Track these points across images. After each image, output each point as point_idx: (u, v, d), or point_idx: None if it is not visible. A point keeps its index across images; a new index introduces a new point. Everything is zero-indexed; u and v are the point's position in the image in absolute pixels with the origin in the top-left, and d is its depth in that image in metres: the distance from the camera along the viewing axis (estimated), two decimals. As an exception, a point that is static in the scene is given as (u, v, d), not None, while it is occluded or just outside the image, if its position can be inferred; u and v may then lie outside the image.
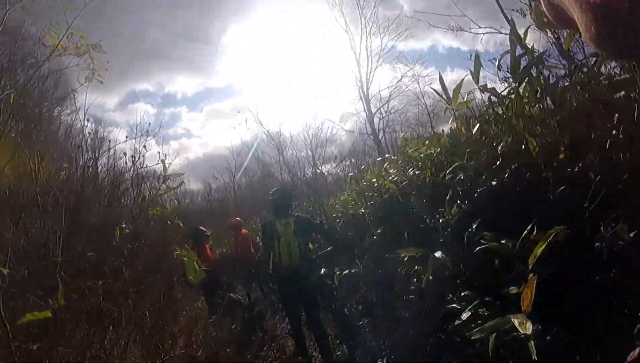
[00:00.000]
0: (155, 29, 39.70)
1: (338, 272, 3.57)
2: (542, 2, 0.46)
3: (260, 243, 6.66)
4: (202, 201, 28.56)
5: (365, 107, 19.08)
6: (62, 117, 20.51)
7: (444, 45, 19.89)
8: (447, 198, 2.05)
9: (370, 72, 19.31)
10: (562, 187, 1.58)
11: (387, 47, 19.46)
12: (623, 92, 1.53)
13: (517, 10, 6.93)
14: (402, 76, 18.93)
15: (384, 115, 19.25)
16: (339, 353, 4.41)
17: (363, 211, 3.78)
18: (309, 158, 22.56)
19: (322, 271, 4.30)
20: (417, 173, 2.86)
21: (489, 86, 1.99)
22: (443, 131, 3.25)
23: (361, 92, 19.14)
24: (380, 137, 18.77)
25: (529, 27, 1.79)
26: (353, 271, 3.38)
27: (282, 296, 4.73)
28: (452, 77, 20.49)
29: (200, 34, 46.22)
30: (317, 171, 20.66)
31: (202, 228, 6.99)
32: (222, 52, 48.02)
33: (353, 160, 18.27)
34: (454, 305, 1.76)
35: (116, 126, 18.82)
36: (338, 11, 19.52)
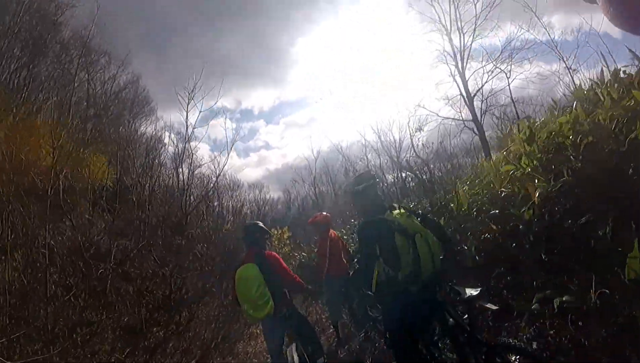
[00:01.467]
0: (229, 47, 40.97)
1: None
2: None
3: (359, 252, 5.21)
4: (282, 208, 29.73)
5: (463, 88, 17.32)
6: (142, 128, 22.54)
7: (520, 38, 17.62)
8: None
9: (465, 49, 17.72)
10: None
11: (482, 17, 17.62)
12: None
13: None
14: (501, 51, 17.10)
15: (482, 99, 17.62)
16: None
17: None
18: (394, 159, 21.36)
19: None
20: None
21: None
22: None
23: (458, 69, 17.46)
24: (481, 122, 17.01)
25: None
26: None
27: (408, 325, 3.09)
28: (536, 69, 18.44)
29: (271, 50, 47.58)
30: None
31: (259, 223, 4.76)
32: (293, 65, 49.21)
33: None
34: None
35: (198, 141, 19.80)
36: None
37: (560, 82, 17.13)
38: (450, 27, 17.95)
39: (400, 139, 20.86)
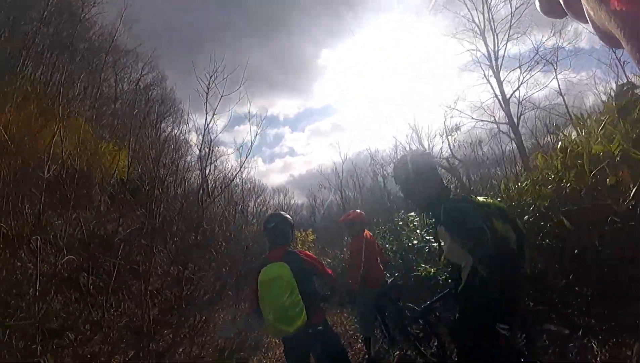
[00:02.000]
0: (254, 55, 42.08)
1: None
2: None
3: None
4: (307, 214, 29.34)
5: (498, 90, 16.46)
6: (168, 128, 22.44)
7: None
8: None
9: (499, 49, 17.02)
10: None
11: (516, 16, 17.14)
12: None
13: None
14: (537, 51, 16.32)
15: (517, 101, 16.95)
16: None
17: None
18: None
19: None
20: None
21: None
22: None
23: (492, 70, 16.68)
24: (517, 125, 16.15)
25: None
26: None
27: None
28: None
29: (296, 61, 48.68)
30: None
31: (286, 215, 3.84)
32: (318, 74, 49.98)
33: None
34: None
35: (225, 146, 19.58)
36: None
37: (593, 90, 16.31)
38: (484, 27, 17.19)
39: (429, 143, 20.03)
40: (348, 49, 46.90)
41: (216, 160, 11.75)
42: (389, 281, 5.50)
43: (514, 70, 17.23)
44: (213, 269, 7.72)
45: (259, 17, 48.01)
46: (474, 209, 2.48)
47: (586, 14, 0.44)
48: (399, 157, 3.04)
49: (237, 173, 14.65)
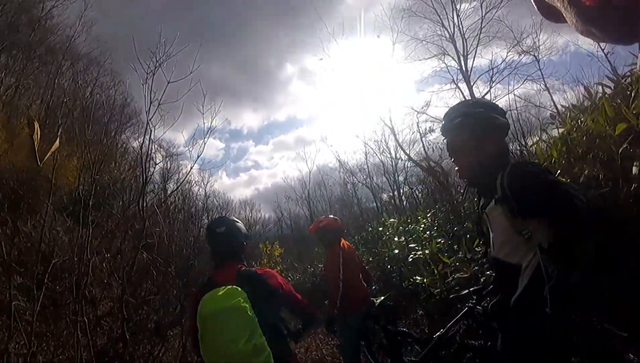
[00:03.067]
0: (217, 67, 41.63)
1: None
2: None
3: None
4: (274, 227, 28.73)
5: (468, 92, 16.21)
6: (130, 141, 21.33)
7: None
8: None
9: (468, 53, 16.97)
10: None
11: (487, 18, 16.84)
12: None
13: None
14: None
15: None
16: None
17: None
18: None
19: None
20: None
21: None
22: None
23: (462, 73, 16.47)
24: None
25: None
26: None
27: None
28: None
29: (260, 74, 48.99)
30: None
31: (237, 222, 2.76)
32: (281, 88, 50.40)
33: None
34: None
35: (187, 160, 18.65)
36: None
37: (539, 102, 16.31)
38: (453, 31, 16.84)
39: (395, 152, 19.30)
40: (312, 62, 46.47)
41: (176, 172, 10.90)
42: (377, 301, 4.52)
43: (483, 73, 17.05)
44: (167, 290, 6.73)
45: (221, 29, 47.45)
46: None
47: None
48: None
49: (188, 175, 13.92)
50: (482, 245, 3.44)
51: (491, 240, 1.89)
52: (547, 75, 16.38)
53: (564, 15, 0.44)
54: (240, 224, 2.73)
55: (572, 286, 1.48)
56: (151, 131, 5.51)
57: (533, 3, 0.51)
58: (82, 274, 5.58)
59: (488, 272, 4.03)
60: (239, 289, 2.22)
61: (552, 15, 0.48)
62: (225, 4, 51.40)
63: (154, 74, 5.40)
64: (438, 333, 2.65)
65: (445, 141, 2.13)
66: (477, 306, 2.49)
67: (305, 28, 50.19)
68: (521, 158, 7.03)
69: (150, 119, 5.38)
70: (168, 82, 5.45)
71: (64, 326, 5.91)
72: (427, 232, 6.46)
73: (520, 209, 1.65)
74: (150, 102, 5.37)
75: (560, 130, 3.11)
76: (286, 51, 52.39)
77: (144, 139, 5.59)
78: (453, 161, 2.06)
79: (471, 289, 2.75)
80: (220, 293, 2.21)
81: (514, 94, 16.00)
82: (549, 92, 15.46)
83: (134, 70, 5.38)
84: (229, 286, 2.24)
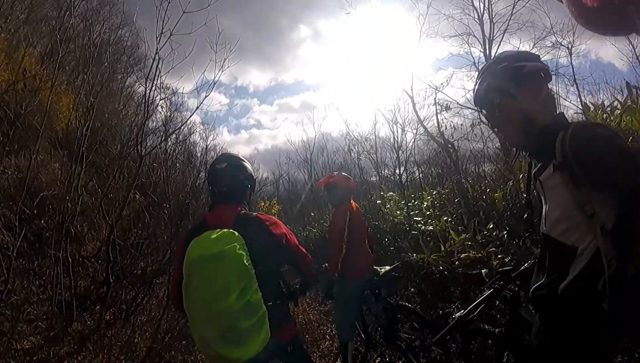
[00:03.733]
0: (227, 20, 40.48)
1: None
2: None
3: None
4: (271, 188, 28.46)
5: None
6: (137, 86, 20.82)
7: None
8: None
9: (495, 37, 15.85)
10: None
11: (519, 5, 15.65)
12: None
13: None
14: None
15: None
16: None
17: None
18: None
19: None
20: None
21: None
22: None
23: (486, 57, 15.66)
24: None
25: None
26: None
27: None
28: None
29: (271, 32, 47.64)
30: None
31: (244, 161, 2.37)
32: (292, 50, 49.28)
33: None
34: None
35: (189, 111, 18.06)
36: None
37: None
38: (483, 11, 16.08)
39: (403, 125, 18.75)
40: (327, 26, 45.37)
41: (182, 126, 10.54)
42: (381, 271, 4.21)
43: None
44: (157, 236, 6.49)
45: None
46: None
47: None
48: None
49: (189, 119, 13.53)
50: (526, 219, 3.13)
51: (543, 213, 1.58)
52: (566, 75, 15.48)
53: (566, 6, 0.44)
54: (246, 163, 2.35)
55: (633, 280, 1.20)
56: (159, 61, 5.12)
57: None
58: (70, 210, 5.31)
59: (500, 256, 3.84)
60: (236, 234, 1.86)
61: None
62: (240, -47, 49.38)
63: (169, 2, 4.98)
64: (458, 314, 2.37)
65: (481, 114, 1.82)
66: (505, 289, 2.22)
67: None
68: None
69: (159, 50, 4.99)
70: (183, 12, 5.05)
71: (47, 264, 5.70)
72: (431, 210, 6.27)
73: (588, 178, 1.34)
74: (161, 32, 4.97)
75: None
76: (300, 11, 51.05)
77: (150, 69, 5.20)
78: (497, 132, 1.77)
79: (499, 269, 2.48)
80: (213, 236, 1.86)
81: None
82: (577, 88, 14.83)
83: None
84: (224, 230, 1.89)
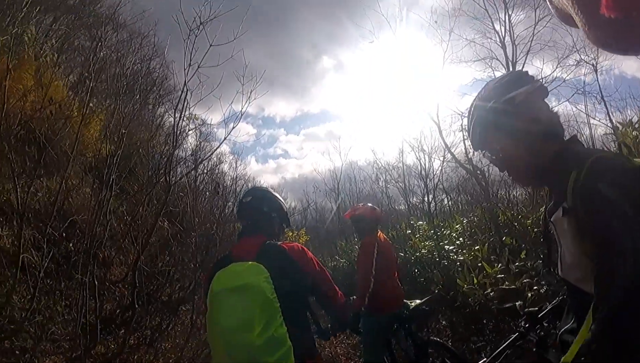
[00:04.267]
0: (252, 52, 42.03)
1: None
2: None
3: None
4: (299, 218, 28.48)
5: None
6: (165, 116, 21.38)
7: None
8: None
9: (518, 59, 15.51)
10: None
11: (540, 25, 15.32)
12: None
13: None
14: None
15: None
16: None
17: None
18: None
19: None
20: None
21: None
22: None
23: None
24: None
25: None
26: None
27: None
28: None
29: (296, 64, 49.22)
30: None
31: (275, 194, 2.40)
32: (317, 80, 50.58)
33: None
34: None
35: (218, 141, 18.33)
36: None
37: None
38: (504, 34, 16.02)
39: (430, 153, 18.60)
40: (349, 56, 46.55)
41: (211, 154, 10.75)
42: (411, 304, 4.06)
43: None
44: (185, 263, 6.49)
45: (259, 15, 47.60)
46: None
47: None
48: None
49: (218, 147, 13.61)
50: (545, 254, 3.00)
51: (559, 254, 1.42)
52: (592, 92, 15.16)
53: (577, 23, 0.40)
54: (272, 194, 2.35)
55: None
56: (188, 92, 5.22)
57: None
58: (98, 235, 5.36)
59: (535, 287, 3.68)
60: (260, 266, 1.83)
61: (564, 17, 0.44)
62: (263, -10, 51.53)
63: (196, 35, 5.11)
64: (484, 360, 2.25)
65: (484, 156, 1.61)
66: (531, 332, 2.06)
67: (344, 23, 50.06)
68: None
69: (187, 81, 5.09)
70: (210, 45, 5.15)
71: (73, 286, 5.73)
72: (460, 239, 6.12)
73: (591, 242, 1.15)
74: (189, 64, 5.09)
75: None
76: (323, 43, 52.37)
77: (179, 100, 5.31)
78: (503, 173, 1.60)
79: (525, 310, 2.33)
80: (237, 269, 1.86)
81: (571, 103, 15.00)
82: (605, 106, 14.48)
83: (176, 23, 5.08)
84: (249, 262, 1.87)
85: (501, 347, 2.14)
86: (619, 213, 1.05)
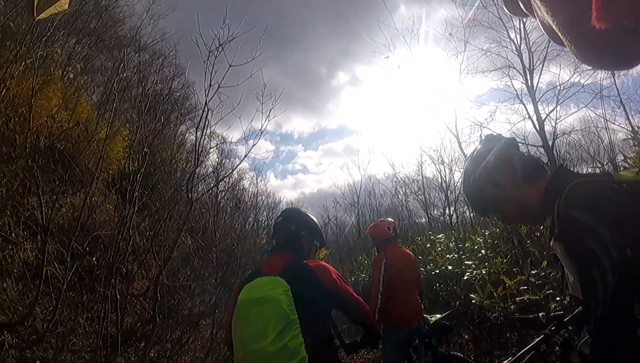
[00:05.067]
0: (269, 71, 42.69)
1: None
2: None
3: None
4: None
5: (533, 107, 14.97)
6: (188, 134, 21.76)
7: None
8: None
9: (535, 66, 15.26)
10: None
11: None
12: None
13: None
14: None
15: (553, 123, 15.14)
16: None
17: None
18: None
19: None
20: None
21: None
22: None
23: (527, 87, 15.22)
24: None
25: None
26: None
27: None
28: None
29: (312, 80, 49.88)
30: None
31: (308, 214, 2.63)
32: (333, 96, 51.81)
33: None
34: None
35: (238, 158, 18.57)
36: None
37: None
38: (520, 42, 15.85)
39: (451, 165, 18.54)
40: (365, 71, 47.89)
41: (232, 172, 10.93)
42: (431, 319, 4.06)
43: (550, 90, 15.67)
44: (205, 278, 6.55)
45: (275, 34, 48.49)
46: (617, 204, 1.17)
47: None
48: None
49: (240, 163, 13.73)
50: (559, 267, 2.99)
51: (565, 272, 1.46)
52: (611, 96, 14.78)
53: (563, 40, 0.37)
54: (303, 214, 2.57)
55: None
56: (208, 111, 5.35)
57: None
58: (121, 250, 5.47)
59: (558, 298, 3.61)
60: (281, 280, 1.95)
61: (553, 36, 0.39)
62: (279, 9, 52.30)
63: (216, 56, 5.24)
64: (506, 361, 2.23)
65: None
66: (557, 335, 2.05)
67: (357, 38, 50.53)
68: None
69: (208, 101, 5.22)
70: (230, 66, 5.28)
71: (96, 299, 5.82)
72: (482, 251, 6.03)
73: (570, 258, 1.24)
74: (210, 85, 5.22)
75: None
76: (338, 59, 53.00)
77: (200, 119, 5.44)
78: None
79: (552, 314, 2.31)
80: (260, 282, 2.02)
81: (589, 108, 14.67)
82: (624, 109, 14.12)
83: (195, 45, 5.23)
84: (271, 277, 2.01)
85: (526, 348, 2.13)
86: (594, 238, 1.12)
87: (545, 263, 4.09)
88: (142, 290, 6.97)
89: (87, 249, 6.32)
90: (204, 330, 6.34)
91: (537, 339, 2.13)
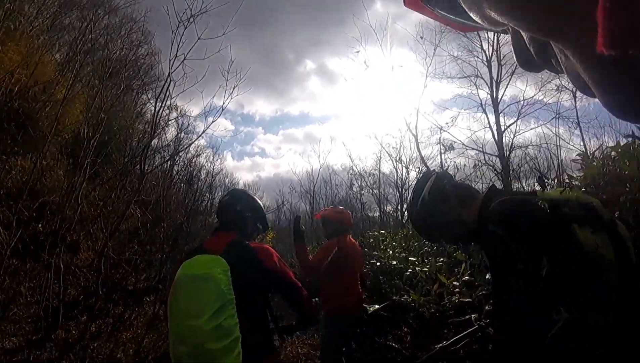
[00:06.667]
0: (238, 50, 42.04)
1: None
2: None
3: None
4: (272, 217, 28.45)
5: (495, 117, 15.57)
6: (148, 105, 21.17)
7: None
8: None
9: (502, 79, 16.01)
10: None
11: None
12: None
13: None
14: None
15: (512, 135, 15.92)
16: None
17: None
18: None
19: None
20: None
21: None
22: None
23: (492, 99, 15.81)
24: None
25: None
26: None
27: None
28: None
29: (277, 64, 49.45)
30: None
31: (252, 196, 2.60)
32: (298, 83, 50.65)
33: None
34: None
35: (196, 134, 18.34)
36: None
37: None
38: (491, 53, 16.32)
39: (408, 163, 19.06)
40: (334, 62, 47.11)
41: (188, 146, 10.75)
42: (369, 309, 4.21)
43: (513, 103, 16.44)
44: (152, 253, 6.49)
45: (246, 14, 47.40)
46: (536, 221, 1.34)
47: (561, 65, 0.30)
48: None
49: (197, 139, 13.61)
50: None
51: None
52: (571, 118, 15.50)
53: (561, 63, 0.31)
54: (249, 196, 2.53)
55: None
56: (170, 83, 5.27)
57: None
58: (68, 218, 5.35)
59: (492, 301, 3.79)
60: (221, 259, 1.93)
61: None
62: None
63: (185, 27, 5.16)
64: (440, 345, 2.37)
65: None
66: (490, 327, 2.24)
67: (328, 28, 50.20)
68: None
69: (172, 72, 5.14)
70: (198, 38, 5.22)
71: (39, 268, 5.69)
72: (425, 248, 6.24)
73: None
74: (176, 55, 5.14)
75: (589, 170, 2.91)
76: (307, 47, 52.54)
77: (162, 89, 5.35)
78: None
79: (486, 308, 2.49)
80: (201, 259, 1.98)
81: (547, 126, 15.35)
82: (581, 131, 14.82)
83: (166, 13, 5.13)
84: (212, 255, 1.98)
85: (459, 336, 2.29)
86: (503, 248, 1.33)
87: (466, 266, 4.27)
88: (87, 262, 6.83)
89: (34, 215, 6.14)
90: (147, 306, 6.30)
91: (471, 329, 2.31)
